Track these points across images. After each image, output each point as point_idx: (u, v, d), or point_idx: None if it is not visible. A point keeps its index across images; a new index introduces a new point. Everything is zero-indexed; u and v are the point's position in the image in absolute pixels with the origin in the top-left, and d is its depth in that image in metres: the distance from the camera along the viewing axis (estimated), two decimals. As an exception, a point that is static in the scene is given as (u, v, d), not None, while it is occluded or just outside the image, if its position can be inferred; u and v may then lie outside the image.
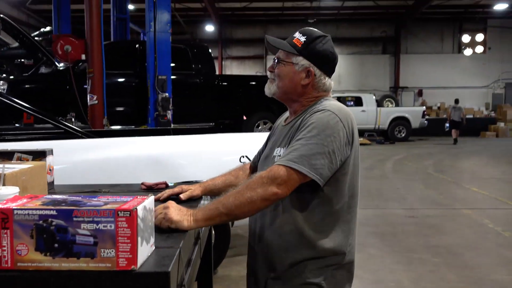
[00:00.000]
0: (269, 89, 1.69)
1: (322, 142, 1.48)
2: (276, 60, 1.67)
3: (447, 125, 17.90)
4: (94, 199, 1.13)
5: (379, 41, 24.82)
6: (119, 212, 1.01)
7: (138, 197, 1.14)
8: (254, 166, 1.92)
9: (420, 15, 22.30)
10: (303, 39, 1.62)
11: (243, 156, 3.59)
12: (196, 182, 2.51)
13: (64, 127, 3.93)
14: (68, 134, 3.95)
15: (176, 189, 1.84)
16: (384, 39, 24.72)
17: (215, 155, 3.75)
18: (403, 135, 18.29)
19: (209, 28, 23.63)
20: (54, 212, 1.02)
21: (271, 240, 1.61)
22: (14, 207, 1.03)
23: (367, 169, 10.57)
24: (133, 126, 7.71)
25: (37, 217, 1.02)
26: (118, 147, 3.60)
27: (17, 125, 6.51)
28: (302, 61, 1.62)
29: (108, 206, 1.04)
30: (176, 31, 21.54)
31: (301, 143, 1.50)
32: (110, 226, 1.01)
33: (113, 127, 7.02)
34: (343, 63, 24.53)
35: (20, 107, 3.88)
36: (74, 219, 1.01)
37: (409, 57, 24.56)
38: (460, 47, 24.96)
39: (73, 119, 6.28)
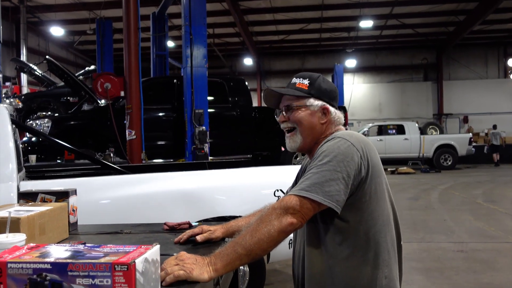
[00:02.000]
0: (295, 142, 1.66)
1: (335, 168, 1.44)
2: (287, 108, 1.66)
3: (487, 147, 19.10)
4: (96, 249, 1.05)
5: (420, 68, 24.38)
6: (116, 266, 0.93)
7: (143, 246, 1.06)
8: None
9: (462, 40, 21.81)
10: (306, 82, 1.65)
11: (277, 190, 3.48)
12: (231, 217, 2.42)
13: (99, 163, 3.98)
14: (106, 170, 3.99)
15: (196, 230, 1.76)
16: (425, 66, 24.25)
17: (251, 189, 3.66)
18: (449, 163, 17.61)
19: (248, 61, 23.97)
20: (49, 266, 0.95)
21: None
22: (8, 260, 0.96)
23: (412, 199, 10.16)
24: (171, 160, 7.78)
25: (31, 271, 0.95)
26: (153, 182, 3.57)
27: (59, 161, 6.69)
28: (315, 102, 1.65)
29: (106, 259, 0.96)
30: (215, 65, 22.07)
31: (312, 172, 1.46)
32: (107, 282, 0.93)
33: (151, 161, 7.09)
34: (383, 91, 24.18)
35: (60, 145, 3.96)
36: (69, 273, 0.94)
37: (452, 83, 23.93)
38: (506, 71, 24.13)
39: (111, 154, 6.40)
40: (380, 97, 24.14)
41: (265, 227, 1.38)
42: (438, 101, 24.02)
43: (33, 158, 5.96)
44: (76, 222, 2.06)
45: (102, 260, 0.95)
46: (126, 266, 0.93)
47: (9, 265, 0.96)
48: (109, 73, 7.23)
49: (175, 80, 8.65)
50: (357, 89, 23.95)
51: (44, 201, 1.99)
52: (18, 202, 2.02)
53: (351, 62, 23.39)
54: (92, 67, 12.37)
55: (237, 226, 1.79)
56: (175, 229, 1.96)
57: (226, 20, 18.17)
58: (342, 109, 9.97)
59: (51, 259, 0.96)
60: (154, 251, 1.06)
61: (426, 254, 5.68)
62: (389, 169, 17.41)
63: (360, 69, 24.07)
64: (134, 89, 6.56)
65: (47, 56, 9.14)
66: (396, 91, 24.09)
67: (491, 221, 7.70)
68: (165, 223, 2.01)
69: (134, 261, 0.94)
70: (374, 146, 1.57)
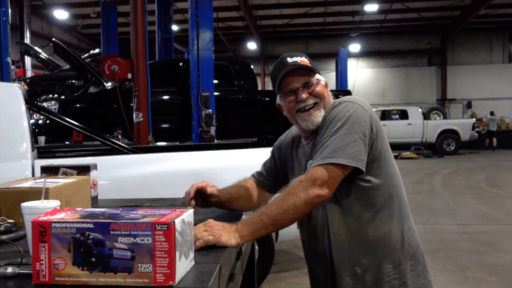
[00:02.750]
0: (320, 117, 1.62)
1: (350, 131, 1.48)
2: (305, 85, 1.62)
3: (482, 128, 19.02)
4: (133, 212, 1.10)
5: (424, 53, 24.27)
6: (156, 226, 0.97)
7: (177, 210, 1.10)
8: (260, 185, 1.90)
9: (467, 25, 21.66)
10: (306, 59, 1.64)
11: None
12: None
13: (111, 144, 4.02)
14: (115, 150, 4.03)
15: (201, 184, 1.80)
16: (430, 50, 24.14)
17: (257, 169, 3.71)
18: (452, 148, 17.64)
19: (251, 45, 23.88)
20: (91, 225, 0.99)
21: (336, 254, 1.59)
22: (52, 220, 1.01)
23: (415, 184, 10.22)
24: (177, 143, 7.82)
25: (74, 230, 1.00)
26: (162, 162, 3.62)
27: (67, 142, 6.74)
28: (320, 76, 1.66)
29: (146, 219, 1.00)
30: (219, 49, 21.96)
31: (329, 140, 1.48)
32: (148, 240, 0.98)
33: (158, 144, 7.14)
34: (387, 76, 24.12)
35: (71, 126, 4.01)
36: (111, 232, 0.99)
37: (456, 68, 23.83)
38: (510, 56, 24.01)
39: (119, 136, 6.45)
40: (384, 82, 24.09)
41: (291, 199, 1.41)
42: (441, 86, 23.97)
43: (42, 139, 6.02)
44: (97, 196, 2.12)
45: (142, 220, 1.00)
46: (166, 226, 0.97)
47: (53, 224, 1.00)
48: (116, 55, 7.24)
49: (181, 63, 8.65)
50: (361, 74, 23.89)
51: (65, 174, 2.04)
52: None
53: (355, 47, 23.29)
54: (97, 50, 12.35)
55: (229, 193, 1.84)
56: (194, 202, 2.00)
57: (230, 3, 18.07)
58: (347, 93, 9.97)
59: (94, 220, 1.01)
60: (189, 214, 1.10)
61: (431, 236, 5.75)
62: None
63: (364, 54, 23.97)
64: (141, 72, 6.58)
65: (53, 39, 9.13)
66: (400, 76, 24.04)
67: (494, 204, 7.77)
68: (184, 197, 2.06)
69: (174, 221, 0.98)
70: None
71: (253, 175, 1.96)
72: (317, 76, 1.64)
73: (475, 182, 10.45)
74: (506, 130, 20.98)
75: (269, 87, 24.17)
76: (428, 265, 4.68)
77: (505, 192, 8.96)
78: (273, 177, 1.89)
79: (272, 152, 1.93)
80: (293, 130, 1.87)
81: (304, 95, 1.60)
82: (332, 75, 21.73)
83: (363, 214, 1.55)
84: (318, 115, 1.61)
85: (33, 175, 3.08)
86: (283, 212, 1.40)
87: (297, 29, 23.11)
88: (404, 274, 1.57)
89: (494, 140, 19.19)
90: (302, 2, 18.44)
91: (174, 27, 15.30)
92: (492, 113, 20.24)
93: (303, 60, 1.62)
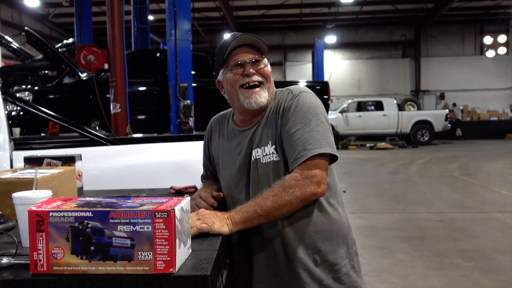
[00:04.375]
0: (264, 97, 1.57)
1: (322, 121, 1.50)
2: (254, 62, 1.57)
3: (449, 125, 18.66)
4: (129, 200, 1.10)
5: (398, 45, 24.56)
6: (156, 213, 0.97)
7: (174, 198, 1.10)
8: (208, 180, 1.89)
9: (440, 17, 22.00)
10: (263, 43, 1.61)
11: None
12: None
13: (90, 135, 3.96)
14: (94, 141, 3.97)
15: (207, 190, 1.74)
16: (404, 42, 24.44)
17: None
18: (426, 138, 17.99)
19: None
20: (90, 214, 0.99)
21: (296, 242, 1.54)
22: (49, 209, 1.00)
23: (391, 173, 10.39)
24: (155, 134, 7.75)
25: (72, 219, 0.99)
26: (143, 153, 3.60)
27: (42, 134, 6.59)
28: (267, 62, 1.63)
29: (145, 207, 1.00)
30: (195, 40, 21.66)
31: (305, 131, 1.48)
32: (148, 228, 0.98)
33: (136, 135, 7.06)
34: (363, 68, 24.34)
35: (51, 117, 3.92)
36: (111, 220, 0.98)
37: (429, 60, 24.22)
38: (482, 48, 24.51)
39: (97, 128, 6.35)
40: (360, 73, 24.30)
41: (287, 196, 1.41)
42: (415, 78, 24.33)
43: (16, 131, 5.89)
44: (82, 187, 2.09)
45: (141, 208, 1.00)
46: (166, 213, 0.97)
47: (50, 213, 0.99)
48: (92, 45, 7.07)
49: (158, 54, 8.56)
50: (337, 65, 24.04)
51: (50, 165, 2.00)
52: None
53: (331, 38, 23.38)
54: (70, 40, 12.08)
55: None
56: (182, 192, 2.00)
57: (206, -7, 17.90)
58: (325, 84, 10.02)
59: (92, 208, 1.00)
60: (186, 202, 1.11)
61: (408, 224, 5.88)
62: (367, 145, 17.71)
63: (340, 45, 24.11)
64: (118, 62, 6.46)
65: (26, 28, 8.90)
66: (375, 68, 24.28)
67: (468, 192, 7.97)
68: (171, 187, 2.06)
69: (174, 209, 0.98)
70: None
71: (203, 177, 1.94)
72: (266, 60, 1.60)
73: (448, 171, 10.70)
74: (478, 121, 21.50)
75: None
76: (406, 252, 4.78)
77: (478, 181, 9.20)
78: (216, 174, 1.83)
79: (204, 151, 1.88)
80: (213, 122, 1.85)
81: (251, 70, 1.55)
82: (309, 66, 21.82)
83: (323, 207, 1.55)
84: (263, 95, 1.56)
85: (11, 166, 3.02)
86: (278, 207, 1.41)
87: (274, 20, 23.07)
88: (352, 257, 1.59)
89: (458, 130, 20.12)
90: (279, -7, 18.41)
91: (150, 17, 15.10)
92: (454, 105, 21.69)
93: (262, 41, 1.59)
